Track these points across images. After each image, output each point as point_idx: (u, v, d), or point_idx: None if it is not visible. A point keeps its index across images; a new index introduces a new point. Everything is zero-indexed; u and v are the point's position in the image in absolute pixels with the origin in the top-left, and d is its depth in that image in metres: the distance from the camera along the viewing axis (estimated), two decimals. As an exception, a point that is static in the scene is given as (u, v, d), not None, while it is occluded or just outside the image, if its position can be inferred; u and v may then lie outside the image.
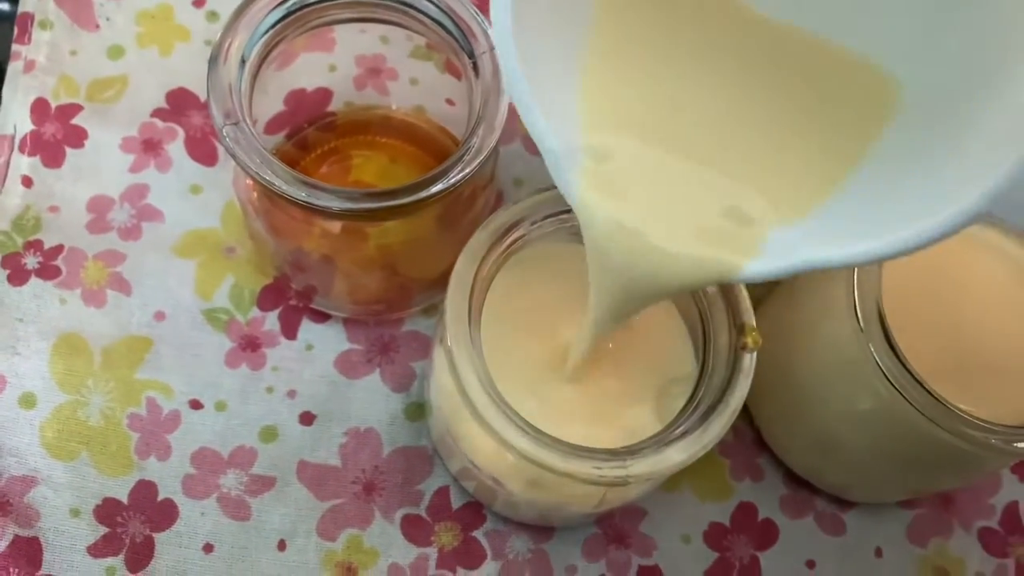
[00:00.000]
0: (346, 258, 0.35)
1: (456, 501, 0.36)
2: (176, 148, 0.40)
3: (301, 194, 0.29)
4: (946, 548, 0.38)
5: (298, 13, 0.32)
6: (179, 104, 0.41)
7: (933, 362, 0.31)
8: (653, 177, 0.23)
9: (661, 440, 0.27)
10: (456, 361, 0.27)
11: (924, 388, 0.29)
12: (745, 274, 0.22)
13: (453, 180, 0.30)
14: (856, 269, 0.31)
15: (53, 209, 0.39)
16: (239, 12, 0.31)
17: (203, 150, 0.40)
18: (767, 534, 0.37)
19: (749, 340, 0.28)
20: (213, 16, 0.43)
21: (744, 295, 0.29)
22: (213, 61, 0.30)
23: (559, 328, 0.31)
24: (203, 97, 0.41)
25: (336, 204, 0.29)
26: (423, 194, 0.29)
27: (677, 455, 0.27)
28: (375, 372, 0.38)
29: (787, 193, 0.22)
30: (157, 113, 0.41)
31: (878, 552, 0.38)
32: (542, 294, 0.32)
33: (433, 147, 0.40)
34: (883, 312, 0.30)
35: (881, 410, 0.31)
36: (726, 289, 0.30)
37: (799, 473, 0.38)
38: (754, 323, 0.29)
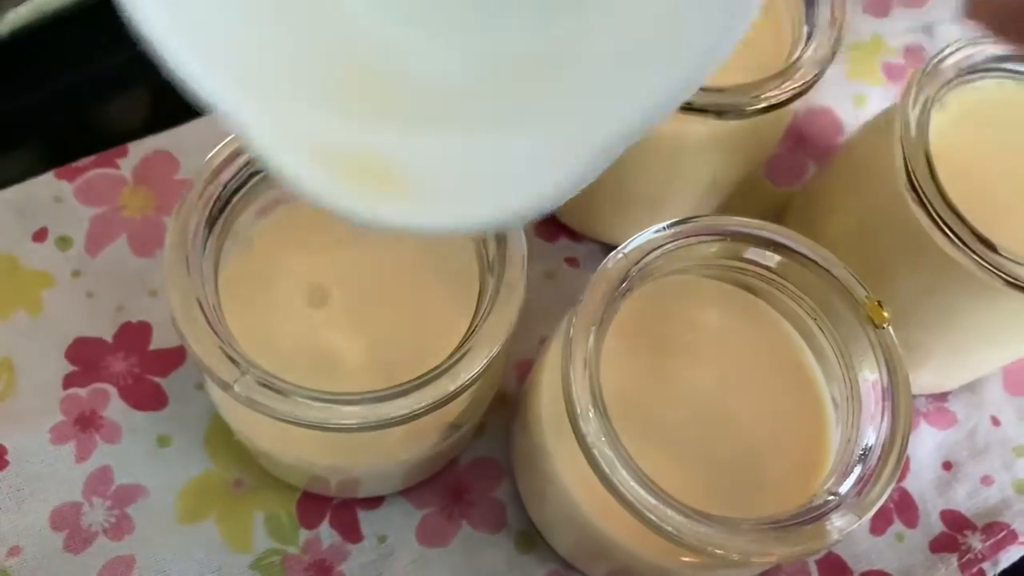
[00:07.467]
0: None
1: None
2: (115, 408, 0.33)
3: (328, 416, 0.24)
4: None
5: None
6: (87, 359, 0.34)
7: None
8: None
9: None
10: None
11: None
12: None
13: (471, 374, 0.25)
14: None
15: (14, 552, 0.31)
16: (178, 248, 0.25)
17: (144, 394, 0.34)
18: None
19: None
20: (64, 242, 0.35)
21: None
22: (184, 312, 0.24)
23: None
24: (108, 338, 0.34)
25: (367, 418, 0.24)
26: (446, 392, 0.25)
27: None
28: (462, 525, 0.33)
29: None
30: (70, 381, 0.33)
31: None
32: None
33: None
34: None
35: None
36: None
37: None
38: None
